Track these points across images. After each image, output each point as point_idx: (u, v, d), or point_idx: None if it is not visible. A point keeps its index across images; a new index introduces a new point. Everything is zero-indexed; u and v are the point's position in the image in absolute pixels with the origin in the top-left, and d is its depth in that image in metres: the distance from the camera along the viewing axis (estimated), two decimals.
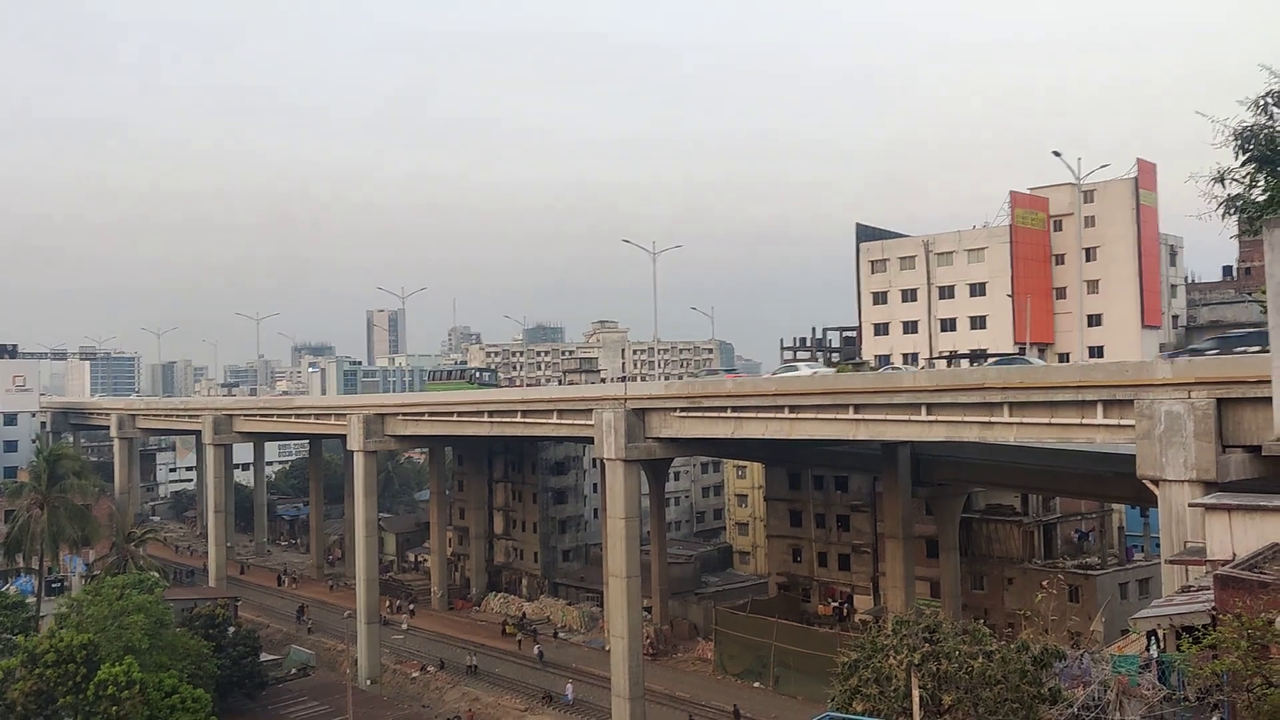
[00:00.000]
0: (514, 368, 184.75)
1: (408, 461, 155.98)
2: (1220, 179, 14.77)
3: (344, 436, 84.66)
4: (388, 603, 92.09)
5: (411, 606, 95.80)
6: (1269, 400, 28.08)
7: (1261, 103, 14.23)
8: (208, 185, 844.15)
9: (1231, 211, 14.87)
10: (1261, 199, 14.37)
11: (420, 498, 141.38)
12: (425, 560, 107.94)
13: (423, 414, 79.33)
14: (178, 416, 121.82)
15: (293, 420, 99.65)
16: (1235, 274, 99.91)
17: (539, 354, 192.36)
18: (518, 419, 69.65)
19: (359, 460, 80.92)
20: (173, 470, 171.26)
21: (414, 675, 77.62)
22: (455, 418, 75.83)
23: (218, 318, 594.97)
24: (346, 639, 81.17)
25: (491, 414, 71.81)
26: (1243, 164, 14.60)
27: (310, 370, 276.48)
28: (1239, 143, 14.41)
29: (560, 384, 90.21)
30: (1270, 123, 14.12)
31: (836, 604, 78.13)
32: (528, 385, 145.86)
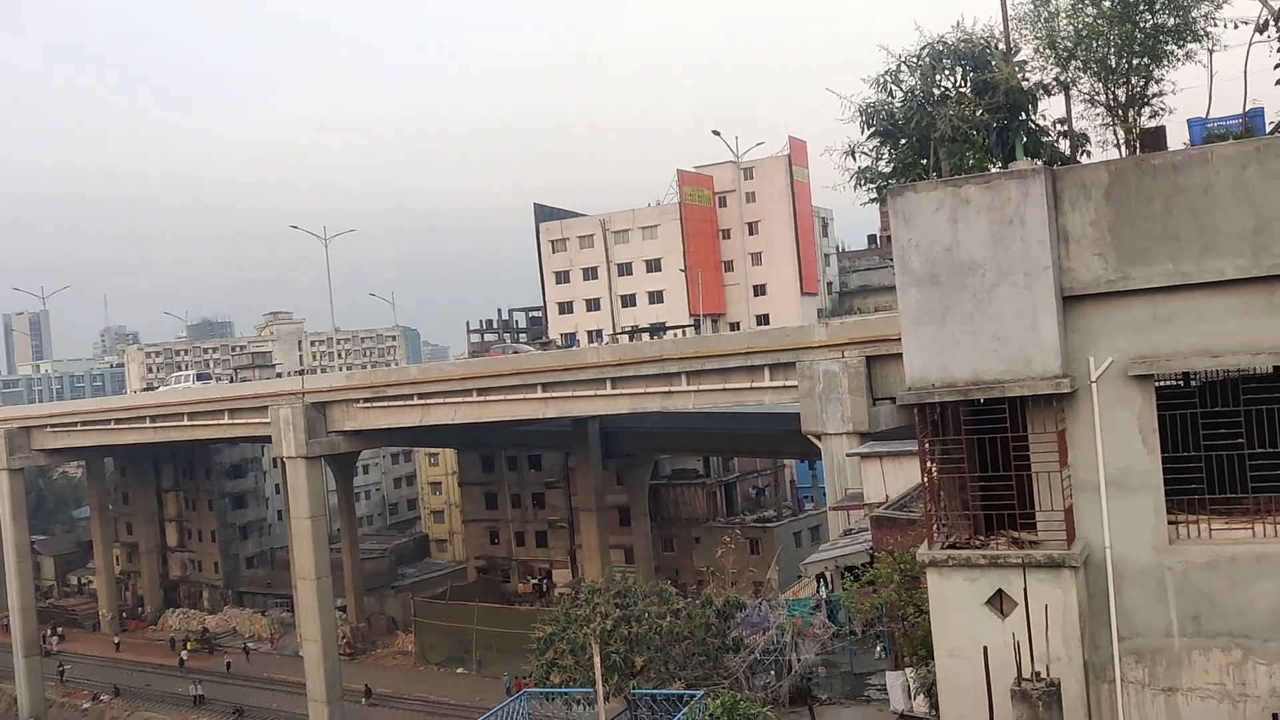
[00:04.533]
0: (179, 367, 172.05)
1: (62, 477, 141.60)
2: (851, 153, 16.03)
3: None
4: (47, 631, 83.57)
5: (60, 630, 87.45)
6: None
7: (882, 80, 15.54)
8: None
9: (862, 182, 16.19)
10: (887, 170, 15.72)
11: (79, 515, 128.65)
12: (91, 582, 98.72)
13: (75, 424, 72.42)
14: None
15: None
16: (879, 241, 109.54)
17: (206, 351, 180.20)
18: (185, 422, 65.10)
19: (3, 479, 72.75)
20: None
21: (85, 706, 71.13)
22: (112, 425, 69.79)
23: None
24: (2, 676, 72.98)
25: (154, 419, 66.63)
26: (869, 138, 15.91)
27: None
28: (864, 118, 15.69)
29: (231, 381, 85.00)
30: (890, 100, 15.46)
31: (536, 581, 79.02)
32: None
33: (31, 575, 77.62)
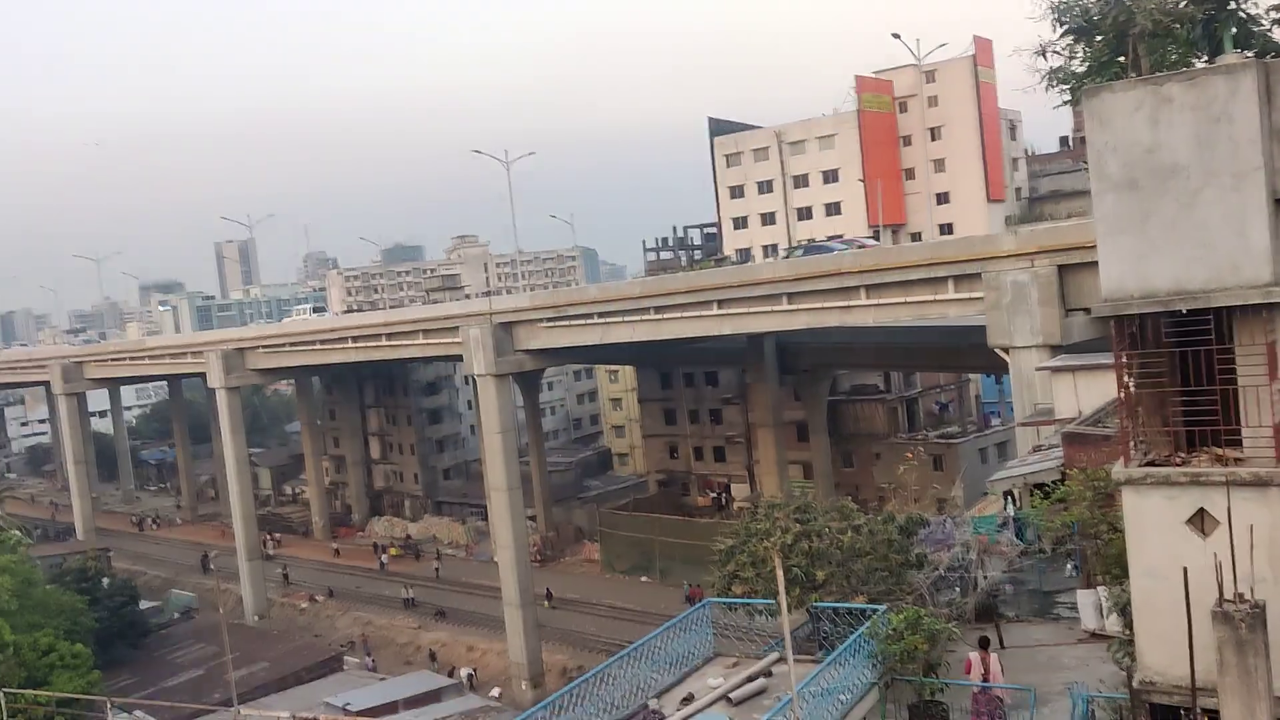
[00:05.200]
0: (375, 290, 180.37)
1: (275, 394, 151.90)
2: (1042, 52, 15.16)
3: (204, 375, 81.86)
4: (266, 537, 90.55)
5: (277, 536, 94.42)
6: None
7: None
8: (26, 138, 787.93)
9: (1054, 84, 15.32)
10: (1081, 69, 14.83)
11: (292, 430, 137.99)
12: (303, 492, 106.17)
13: (284, 345, 77.15)
14: (22, 368, 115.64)
15: (147, 362, 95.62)
16: (1071, 144, 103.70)
17: (400, 274, 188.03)
18: (383, 342, 68.35)
19: (222, 397, 78.46)
20: (24, 424, 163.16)
21: (303, 606, 76.96)
22: (318, 346, 74.01)
23: (55, 263, 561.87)
24: (229, 578, 79.62)
25: (355, 339, 70.29)
26: (1061, 36, 15.01)
27: (161, 309, 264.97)
28: (1056, 15, 14.79)
29: (424, 303, 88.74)
30: None
31: (715, 494, 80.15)
32: (390, 307, 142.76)
33: (250, 485, 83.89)
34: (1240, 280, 10.42)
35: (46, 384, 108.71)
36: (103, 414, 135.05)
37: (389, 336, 67.73)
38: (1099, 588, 19.03)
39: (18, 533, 68.76)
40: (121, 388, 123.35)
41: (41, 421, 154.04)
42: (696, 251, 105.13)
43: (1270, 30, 14.39)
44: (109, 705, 47.36)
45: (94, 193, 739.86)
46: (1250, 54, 12.71)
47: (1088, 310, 35.54)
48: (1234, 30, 13.57)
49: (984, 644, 17.60)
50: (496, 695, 57.41)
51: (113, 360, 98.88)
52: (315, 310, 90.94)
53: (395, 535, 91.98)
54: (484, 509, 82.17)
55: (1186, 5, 13.55)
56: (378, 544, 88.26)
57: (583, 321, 54.89)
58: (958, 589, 22.20)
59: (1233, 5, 13.91)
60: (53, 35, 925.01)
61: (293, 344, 76.31)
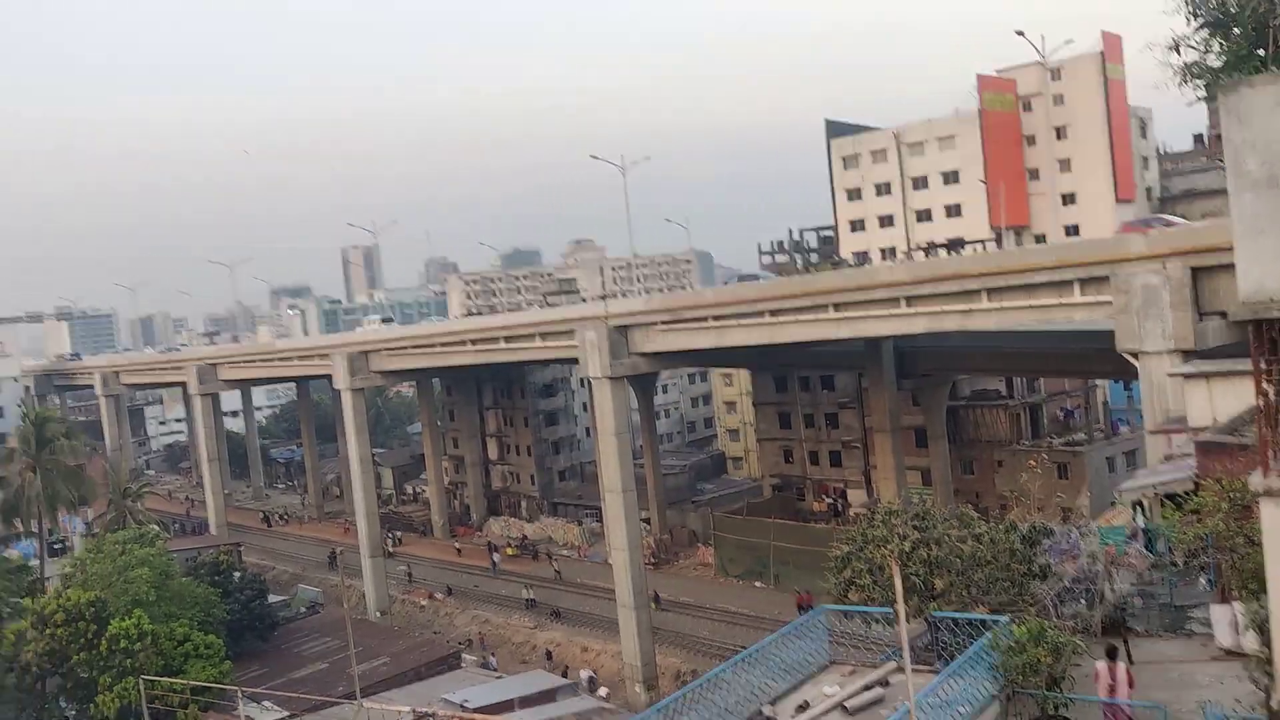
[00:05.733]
0: (493, 294, 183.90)
1: (397, 396, 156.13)
2: (1175, 47, 14.54)
3: (330, 376, 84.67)
4: (387, 535, 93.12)
5: (399, 534, 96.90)
6: None
7: None
8: (161, 148, 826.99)
9: (1188, 79, 14.67)
10: (1217, 64, 14.18)
11: (413, 431, 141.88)
12: (424, 491, 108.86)
13: (405, 347, 79.25)
14: (161, 369, 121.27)
15: (277, 364, 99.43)
16: (1206, 142, 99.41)
17: (518, 279, 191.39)
18: (501, 345, 69.61)
19: (347, 398, 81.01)
20: (162, 423, 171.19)
21: (423, 603, 78.86)
22: (438, 348, 75.79)
23: (192, 268, 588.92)
24: (352, 574, 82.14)
25: (474, 342, 71.76)
26: (1196, 30, 14.37)
27: (290, 313, 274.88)
28: (1190, 8, 14.16)
29: (541, 307, 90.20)
30: None
31: (830, 500, 79.30)
32: (508, 310, 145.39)
33: (373, 484, 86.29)
34: None
35: (183, 385, 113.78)
36: (235, 414, 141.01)
37: (507, 339, 68.95)
38: (1235, 603, 18.23)
39: (156, 527, 72.29)
40: (253, 388, 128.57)
41: (179, 420, 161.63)
42: (813, 254, 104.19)
43: None
44: (239, 694, 49.46)
45: (229, 199, 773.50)
46: None
47: (1224, 314, 34.09)
48: None
49: (1111, 654, 17.00)
50: (604, 695, 57.88)
51: (245, 362, 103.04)
52: (384, 321, 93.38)
53: (511, 535, 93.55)
54: (598, 510, 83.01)
55: None
56: (492, 544, 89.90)
57: (698, 325, 54.98)
58: (1083, 601, 21.50)
59: None
60: (182, 45, 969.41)
61: (414, 346, 78.30)
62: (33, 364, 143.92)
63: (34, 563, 71.07)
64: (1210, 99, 14.49)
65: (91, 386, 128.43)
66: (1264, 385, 10.94)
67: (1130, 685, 16.70)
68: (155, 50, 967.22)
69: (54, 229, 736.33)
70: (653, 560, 76.85)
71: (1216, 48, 14.30)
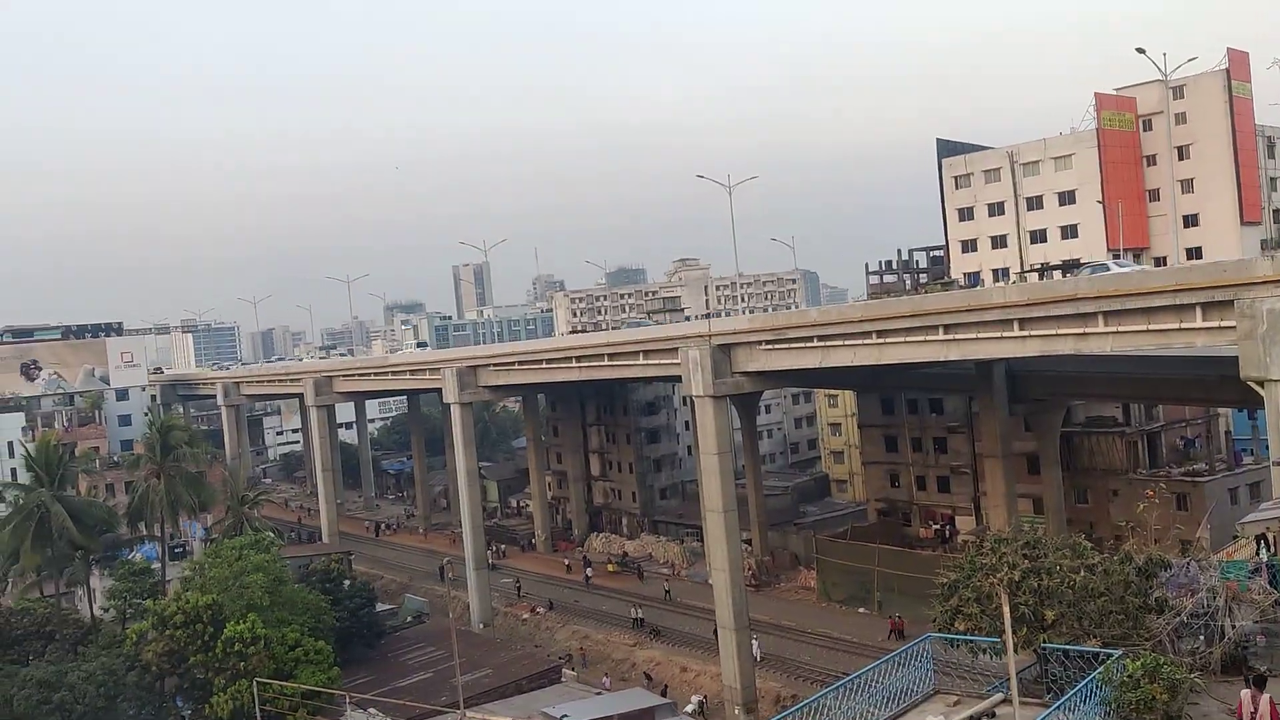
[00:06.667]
0: (598, 312, 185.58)
1: (503, 411, 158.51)
2: None
3: (440, 390, 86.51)
4: (491, 548, 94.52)
5: (502, 548, 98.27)
6: None
7: None
8: (295, 160, 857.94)
9: None
10: None
11: (518, 445, 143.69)
12: (527, 505, 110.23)
13: (513, 363, 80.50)
14: (279, 381, 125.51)
15: (389, 378, 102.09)
16: None
17: (622, 296, 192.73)
18: (605, 362, 70.20)
19: (456, 412, 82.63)
20: (279, 434, 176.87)
21: (525, 617, 79.78)
22: (544, 365, 76.81)
23: (311, 283, 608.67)
24: (457, 586, 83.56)
25: (579, 359, 72.51)
26: None
27: (403, 327, 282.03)
28: None
29: (645, 324, 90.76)
30: None
31: (938, 526, 77.70)
32: (613, 328, 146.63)
33: (479, 497, 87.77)
34: None
35: (300, 396, 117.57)
36: (349, 425, 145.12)
37: (610, 357, 69.51)
38: None
39: (271, 534, 74.69)
40: (366, 401, 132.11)
41: (295, 431, 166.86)
42: (922, 275, 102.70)
43: None
44: (348, 700, 50.76)
45: (346, 215, 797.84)
46: None
47: None
48: None
49: (1258, 683, 16.30)
50: (689, 711, 57.70)
51: (359, 375, 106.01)
52: (419, 345, 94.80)
53: (612, 552, 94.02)
54: (699, 530, 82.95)
55: None
56: (586, 558, 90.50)
57: (802, 344, 54.61)
58: (1202, 638, 20.75)
59: None
60: (328, 59, 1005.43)
61: (521, 362, 79.51)
62: (159, 374, 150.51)
63: (156, 565, 74.16)
64: None
65: (214, 397, 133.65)
66: None
67: (1274, 718, 16.06)
68: (309, 62, 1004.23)
69: (185, 237, 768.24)
70: (754, 582, 76.35)
71: None
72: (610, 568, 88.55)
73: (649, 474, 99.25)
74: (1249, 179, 79.80)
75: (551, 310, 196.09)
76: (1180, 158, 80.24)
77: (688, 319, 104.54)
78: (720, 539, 59.66)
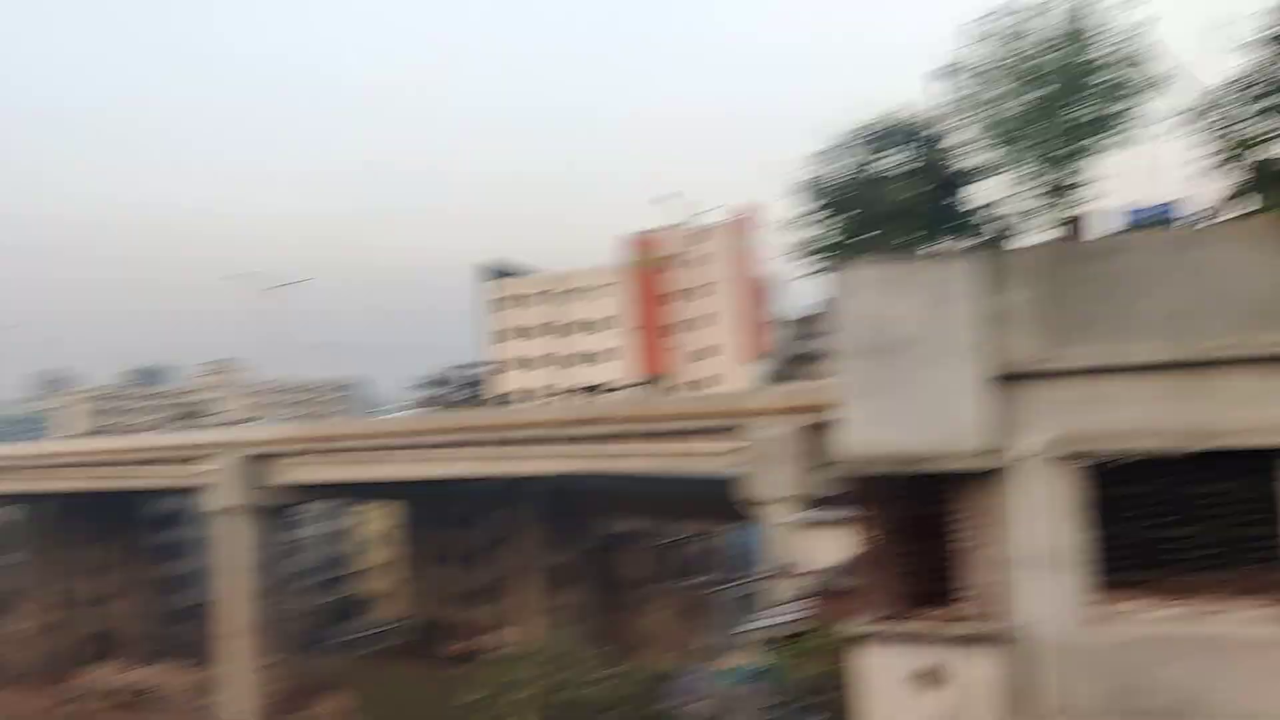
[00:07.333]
0: (119, 413, 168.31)
1: None
2: (794, 223, 15.96)
3: None
4: None
5: None
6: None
7: (824, 155, 15.55)
8: None
9: (806, 254, 16.20)
10: (831, 241, 15.68)
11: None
12: (21, 629, 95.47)
13: None
14: None
15: None
16: (823, 312, 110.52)
17: (148, 397, 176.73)
18: (113, 470, 63.68)
19: None
20: None
21: None
22: (34, 471, 68.15)
23: None
24: None
25: (84, 465, 65.16)
26: (811, 211, 15.81)
27: None
28: (809, 190, 15.64)
29: (170, 430, 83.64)
30: (833, 173, 15.43)
31: (471, 643, 77.57)
32: (131, 433, 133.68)
33: None
34: (960, 448, 11.25)
35: None
36: None
37: (123, 464, 63.15)
38: None
39: None
40: None
41: None
42: (467, 390, 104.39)
43: (994, 221, 15.61)
44: None
45: None
46: (976, 241, 14.09)
47: (834, 466, 37.40)
48: (961, 219, 14.85)
49: None
50: None
51: None
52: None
53: (115, 683, 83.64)
54: (217, 654, 76.52)
55: (922, 192, 14.76)
56: (83, 692, 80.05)
57: (343, 457, 53.14)
58: None
59: (956, 195, 15.22)
60: None
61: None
62: None
63: None
64: (825, 272, 16.02)
65: None
66: (860, 536, 11.95)
67: None
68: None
69: None
70: (280, 711, 71.19)
71: (827, 227, 15.88)
72: (107, 702, 78.48)
73: (161, 595, 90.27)
74: (758, 318, 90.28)
75: (57, 409, 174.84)
76: (696, 296, 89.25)
77: (221, 425, 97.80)
78: (242, 664, 55.34)
